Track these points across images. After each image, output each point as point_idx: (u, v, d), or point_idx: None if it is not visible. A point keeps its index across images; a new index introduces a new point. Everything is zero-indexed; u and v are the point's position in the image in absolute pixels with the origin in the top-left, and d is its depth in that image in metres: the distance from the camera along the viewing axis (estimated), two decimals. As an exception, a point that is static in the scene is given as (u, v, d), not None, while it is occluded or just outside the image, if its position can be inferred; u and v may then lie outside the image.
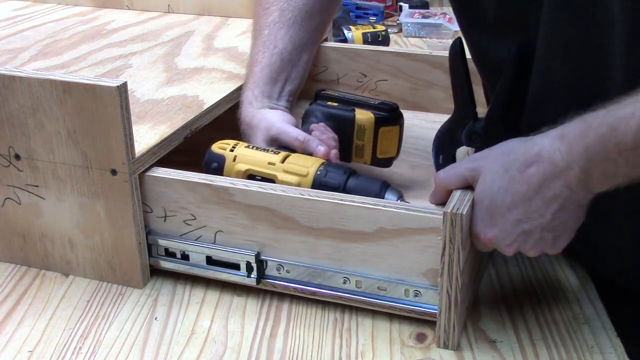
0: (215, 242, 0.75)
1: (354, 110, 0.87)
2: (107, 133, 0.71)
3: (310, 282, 0.73)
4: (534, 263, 0.81)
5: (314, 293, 0.73)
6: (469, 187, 0.67)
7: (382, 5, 1.84)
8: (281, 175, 0.77)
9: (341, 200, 0.68)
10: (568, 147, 0.61)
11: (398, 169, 0.98)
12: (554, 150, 0.61)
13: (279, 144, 0.83)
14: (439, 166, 0.79)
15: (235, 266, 0.75)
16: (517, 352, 0.68)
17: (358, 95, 0.92)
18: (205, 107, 0.87)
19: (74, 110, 0.71)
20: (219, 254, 0.75)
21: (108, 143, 0.71)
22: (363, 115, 0.87)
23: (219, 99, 0.90)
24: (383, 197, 0.74)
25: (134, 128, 0.74)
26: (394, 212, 0.67)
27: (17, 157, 0.75)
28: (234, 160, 0.79)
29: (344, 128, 0.86)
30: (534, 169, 0.62)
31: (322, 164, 0.78)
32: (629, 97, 0.58)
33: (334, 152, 0.81)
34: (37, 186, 0.76)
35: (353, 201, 0.68)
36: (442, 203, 0.66)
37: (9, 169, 0.76)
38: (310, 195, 0.69)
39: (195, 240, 0.75)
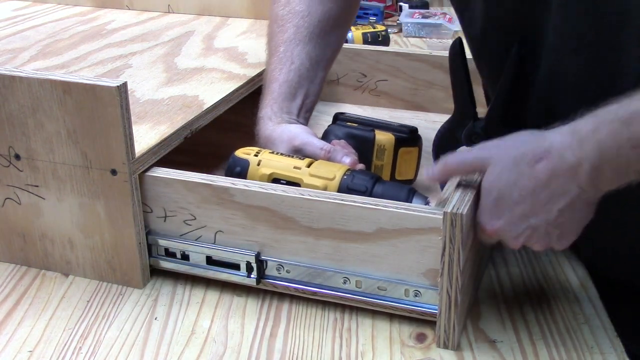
0: (215, 242, 0.75)
1: (374, 130, 0.88)
2: (107, 133, 0.71)
3: (310, 282, 0.73)
4: (534, 263, 0.81)
5: (314, 293, 0.73)
6: (473, 173, 0.67)
7: (382, 5, 1.84)
8: (307, 179, 0.76)
9: (341, 200, 0.68)
10: (579, 143, 0.60)
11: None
12: (564, 146, 0.61)
13: (302, 155, 0.81)
14: (439, 166, 0.78)
15: (235, 266, 0.75)
16: (517, 352, 0.68)
17: (376, 118, 0.93)
18: (205, 107, 0.87)
19: (74, 110, 0.71)
20: (219, 254, 0.75)
21: (108, 143, 0.71)
22: (383, 136, 0.87)
23: (219, 99, 0.90)
24: (411, 203, 0.72)
25: (134, 128, 0.74)
26: (394, 212, 0.67)
27: (17, 157, 0.75)
28: (259, 164, 0.78)
29: (363, 148, 0.86)
30: (543, 165, 0.62)
31: (348, 169, 0.77)
32: None
33: (362, 167, 0.80)
34: (37, 186, 0.76)
35: (353, 201, 0.68)
36: (439, 181, 0.65)
37: (9, 169, 0.76)
38: (310, 195, 0.69)
39: (195, 240, 0.75)
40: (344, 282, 0.71)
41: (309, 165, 0.77)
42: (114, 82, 0.69)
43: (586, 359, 0.67)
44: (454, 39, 0.79)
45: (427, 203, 0.73)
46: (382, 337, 0.70)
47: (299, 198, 0.69)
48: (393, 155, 0.87)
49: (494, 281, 0.78)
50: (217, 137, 1.06)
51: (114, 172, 0.72)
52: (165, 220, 0.76)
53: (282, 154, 0.80)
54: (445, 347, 0.68)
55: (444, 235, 0.64)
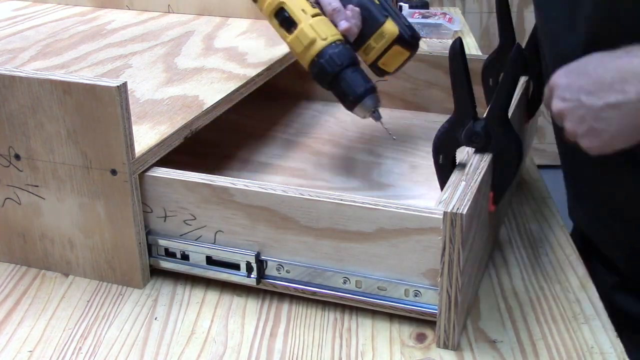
0: (215, 242, 0.75)
1: (387, 17, 0.93)
2: (107, 133, 0.71)
3: (310, 282, 0.73)
4: (534, 263, 0.81)
5: (314, 293, 0.73)
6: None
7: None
8: (305, 26, 0.84)
9: (341, 200, 0.69)
10: None
11: (398, 169, 0.99)
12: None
13: (318, 4, 0.89)
14: (439, 166, 0.79)
15: (235, 266, 0.75)
16: (517, 352, 0.68)
17: (399, 8, 1.02)
18: (205, 107, 0.87)
19: (74, 110, 0.71)
20: (219, 254, 0.75)
21: (108, 143, 0.71)
22: (390, 26, 0.93)
23: (219, 99, 0.90)
24: (362, 98, 0.84)
25: (134, 128, 0.74)
26: (394, 212, 0.67)
27: (17, 157, 0.75)
28: None
29: (369, 25, 0.93)
30: (618, 61, 0.68)
31: (338, 40, 0.85)
32: None
33: (354, 32, 0.88)
34: (37, 186, 0.76)
35: (353, 201, 0.68)
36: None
37: (9, 169, 0.76)
38: (310, 195, 0.69)
39: (195, 240, 0.75)
40: (344, 282, 0.71)
41: (314, 16, 0.85)
42: (114, 82, 0.69)
43: (586, 359, 0.67)
44: (454, 39, 0.79)
45: (376, 107, 0.81)
46: (382, 337, 0.70)
47: (299, 198, 0.69)
48: (386, 47, 0.93)
49: (494, 281, 0.78)
50: (217, 137, 1.06)
51: (114, 172, 0.72)
52: (165, 220, 0.76)
53: None
54: (445, 347, 0.68)
55: (444, 235, 0.64)
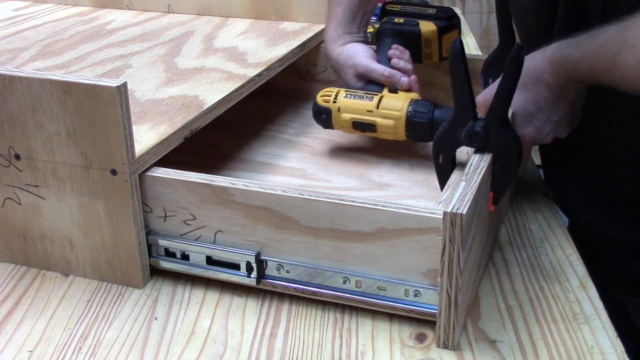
0: (215, 242, 0.75)
1: (419, 24, 1.03)
2: (107, 133, 0.71)
3: (310, 282, 0.73)
4: (534, 263, 0.81)
5: (314, 293, 0.73)
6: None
7: (382, 5, 1.84)
8: (380, 121, 0.93)
9: (341, 200, 0.69)
10: (558, 71, 0.82)
11: (398, 169, 0.99)
12: (552, 70, 0.82)
13: (367, 79, 0.99)
14: (439, 166, 0.79)
15: (235, 266, 0.75)
16: (517, 352, 0.68)
17: (418, 8, 1.08)
18: (205, 107, 0.87)
19: (74, 110, 0.71)
20: (219, 254, 0.75)
21: (108, 143, 0.71)
22: (427, 28, 1.03)
23: (219, 99, 0.90)
24: None
25: (134, 128, 0.74)
26: (394, 212, 0.67)
27: (17, 157, 0.75)
28: (339, 111, 0.96)
29: (413, 41, 1.03)
30: (545, 83, 0.83)
31: (410, 102, 0.92)
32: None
33: (414, 78, 0.97)
34: (37, 186, 0.76)
35: (353, 201, 0.68)
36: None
37: (9, 169, 0.76)
38: (310, 195, 0.69)
39: (195, 240, 0.75)
40: (344, 282, 0.71)
41: (378, 106, 0.94)
42: (114, 82, 0.69)
43: (586, 359, 0.67)
44: (454, 39, 0.79)
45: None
46: (382, 337, 0.70)
47: (299, 198, 0.69)
48: (438, 43, 1.03)
49: (494, 281, 0.78)
50: (217, 137, 1.06)
51: (114, 172, 0.72)
52: (165, 220, 0.76)
53: (354, 96, 0.96)
54: (445, 347, 0.68)
55: (444, 235, 0.64)
